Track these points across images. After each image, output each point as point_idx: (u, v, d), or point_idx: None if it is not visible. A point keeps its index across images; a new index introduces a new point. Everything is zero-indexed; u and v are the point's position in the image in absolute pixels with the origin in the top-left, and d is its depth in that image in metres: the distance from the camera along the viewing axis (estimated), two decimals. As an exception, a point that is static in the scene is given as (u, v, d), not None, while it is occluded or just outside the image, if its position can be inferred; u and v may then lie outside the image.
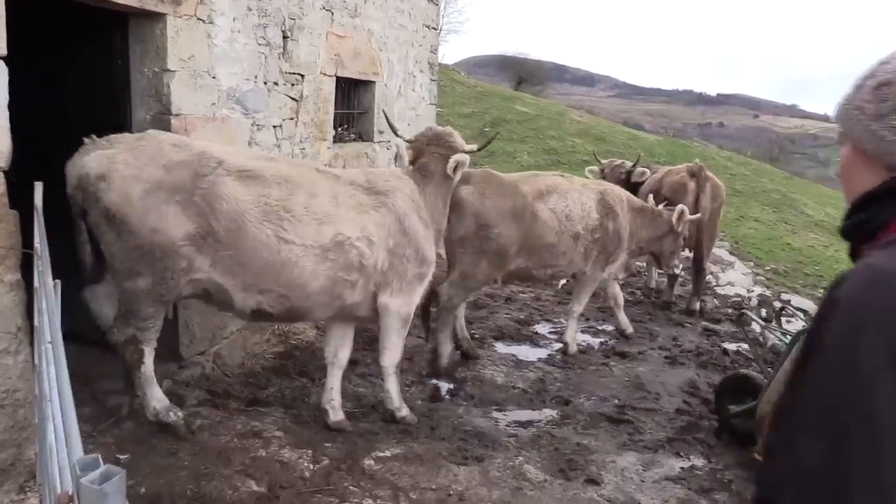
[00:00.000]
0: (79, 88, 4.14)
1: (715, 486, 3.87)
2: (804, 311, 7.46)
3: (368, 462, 3.61)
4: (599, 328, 6.84)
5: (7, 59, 2.89)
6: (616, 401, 4.97)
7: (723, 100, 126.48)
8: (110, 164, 3.17)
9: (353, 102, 6.64)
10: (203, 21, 4.15)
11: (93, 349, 3.97)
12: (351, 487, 3.36)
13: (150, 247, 3.24)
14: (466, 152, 4.25)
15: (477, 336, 6.09)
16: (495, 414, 4.67)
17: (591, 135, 20.45)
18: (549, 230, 5.26)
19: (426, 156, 4.23)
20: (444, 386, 5.06)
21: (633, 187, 7.49)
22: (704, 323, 7.20)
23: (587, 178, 6.99)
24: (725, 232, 11.51)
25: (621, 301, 6.51)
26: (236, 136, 4.60)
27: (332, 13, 5.69)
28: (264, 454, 3.57)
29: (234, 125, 4.58)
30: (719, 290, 8.67)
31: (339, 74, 5.93)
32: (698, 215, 6.60)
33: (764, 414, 3.89)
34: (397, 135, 4.56)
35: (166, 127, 3.92)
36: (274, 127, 5.05)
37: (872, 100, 1.06)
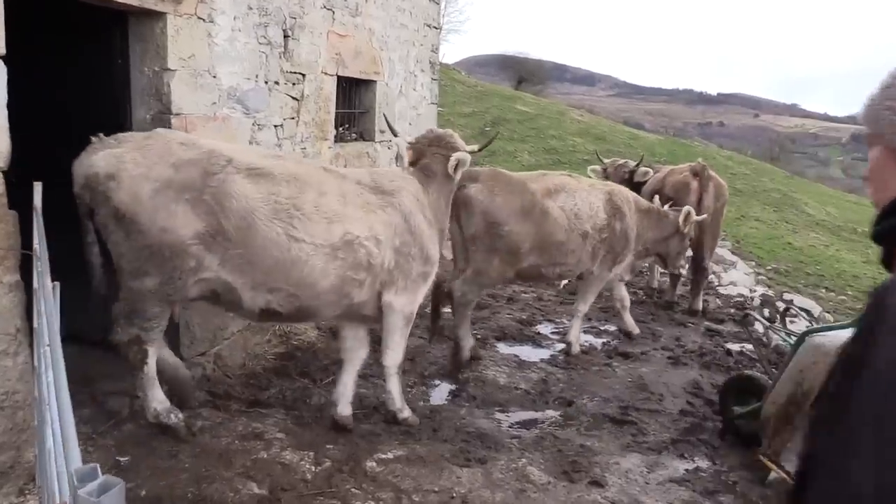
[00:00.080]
0: (78, 88, 4.11)
1: (719, 487, 3.84)
2: (807, 312, 7.46)
3: (370, 464, 3.59)
4: (602, 328, 6.82)
5: (6, 59, 2.87)
6: (619, 402, 4.94)
7: (723, 99, 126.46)
8: (119, 163, 3.15)
9: (354, 102, 6.62)
10: (203, 20, 4.13)
11: (93, 350, 3.94)
12: (353, 490, 3.34)
13: (160, 246, 3.22)
14: (467, 152, 4.25)
15: (479, 336, 6.06)
16: (498, 415, 4.65)
17: (592, 134, 20.43)
18: (559, 227, 5.26)
19: (427, 156, 4.24)
20: (447, 387, 5.04)
21: (636, 187, 7.46)
22: (707, 323, 7.17)
23: (590, 177, 6.97)
24: (727, 231, 11.48)
25: (628, 303, 6.49)
26: (237, 135, 4.58)
27: (333, 12, 5.67)
28: (265, 456, 3.55)
29: (234, 125, 4.56)
30: (721, 290, 8.64)
31: (341, 74, 5.91)
32: (704, 216, 6.57)
33: (769, 415, 3.87)
34: (396, 136, 4.56)
35: (166, 126, 3.89)
36: (275, 126, 5.02)
37: None
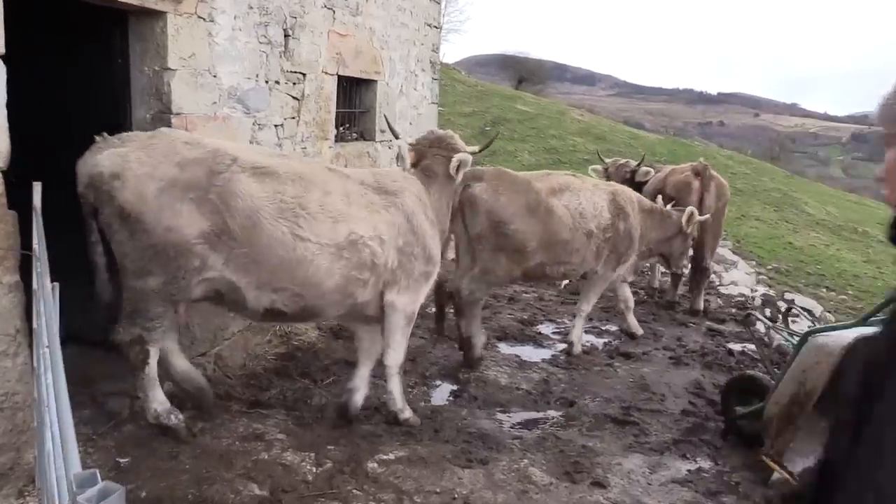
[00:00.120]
0: (78, 88, 4.10)
1: (722, 488, 3.82)
2: (809, 311, 7.44)
3: (372, 465, 3.58)
4: (603, 328, 6.80)
5: (6, 59, 2.85)
6: (621, 402, 4.92)
7: (723, 98, 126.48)
8: (124, 162, 3.14)
9: (354, 101, 6.60)
10: (204, 19, 4.11)
11: (93, 350, 3.93)
12: (354, 491, 3.32)
13: (164, 245, 3.21)
14: (468, 153, 4.25)
15: (480, 336, 6.05)
16: (499, 415, 4.63)
17: (592, 134, 20.41)
18: (564, 226, 5.26)
19: (429, 158, 4.25)
20: (448, 387, 5.03)
21: (638, 186, 7.45)
22: (709, 323, 7.16)
23: (591, 176, 6.97)
24: (728, 231, 11.47)
25: (632, 304, 6.48)
26: (237, 135, 4.56)
27: (334, 11, 5.65)
28: (266, 457, 3.53)
29: (235, 124, 4.54)
30: (722, 290, 8.63)
31: (341, 73, 5.89)
32: (707, 216, 6.56)
33: (771, 415, 3.85)
34: (397, 137, 4.56)
35: (166, 126, 3.87)
36: (275, 126, 5.01)
37: None
